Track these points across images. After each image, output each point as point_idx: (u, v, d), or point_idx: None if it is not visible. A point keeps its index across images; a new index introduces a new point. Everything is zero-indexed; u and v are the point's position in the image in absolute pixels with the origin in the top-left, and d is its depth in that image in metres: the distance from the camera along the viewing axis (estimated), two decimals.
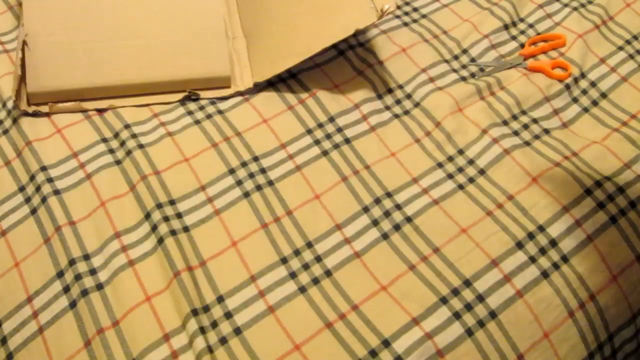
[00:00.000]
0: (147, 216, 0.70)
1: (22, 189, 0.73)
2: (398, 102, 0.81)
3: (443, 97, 0.80)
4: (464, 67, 0.85)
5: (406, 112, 0.80)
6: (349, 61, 0.85)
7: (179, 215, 0.70)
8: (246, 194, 0.72)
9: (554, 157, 0.74)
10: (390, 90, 0.82)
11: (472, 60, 0.86)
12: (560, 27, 0.89)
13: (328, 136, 0.77)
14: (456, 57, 0.86)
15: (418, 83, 0.82)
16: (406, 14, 0.91)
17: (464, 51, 0.87)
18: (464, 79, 0.83)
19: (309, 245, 0.68)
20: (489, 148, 0.75)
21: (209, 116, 0.79)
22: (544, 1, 0.93)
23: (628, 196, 0.71)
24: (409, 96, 0.81)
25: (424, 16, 0.91)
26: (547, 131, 0.77)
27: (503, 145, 0.75)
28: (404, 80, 0.83)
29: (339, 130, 0.77)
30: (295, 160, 0.75)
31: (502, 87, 0.82)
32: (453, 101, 0.80)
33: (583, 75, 0.83)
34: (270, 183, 0.73)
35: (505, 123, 0.78)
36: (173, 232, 0.68)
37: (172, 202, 0.71)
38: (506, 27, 0.89)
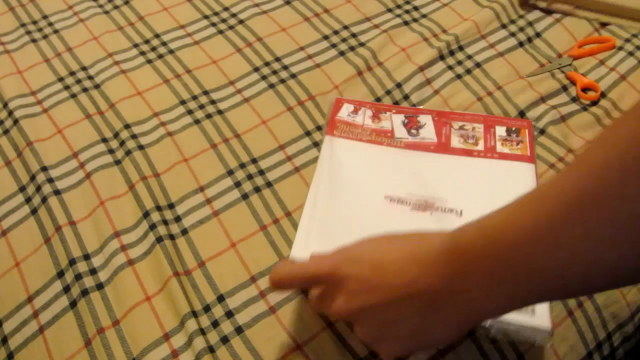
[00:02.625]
0: (146, 215, 0.70)
1: (22, 189, 0.73)
2: (396, 104, 0.81)
3: (439, 101, 0.81)
4: (459, 62, 0.85)
5: None
6: (349, 62, 0.85)
7: (177, 217, 0.70)
8: (244, 196, 0.72)
9: (549, 159, 0.74)
10: (388, 92, 0.82)
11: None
12: (560, 25, 0.89)
13: None
14: (452, 53, 0.86)
15: (416, 85, 0.82)
16: (407, 12, 0.92)
17: (460, 48, 0.87)
18: (459, 76, 0.84)
19: None
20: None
21: (208, 116, 0.79)
22: None
23: None
24: (406, 97, 0.81)
25: (424, 16, 0.91)
26: (542, 131, 0.77)
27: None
28: (402, 78, 0.83)
29: None
30: (294, 162, 0.75)
31: (499, 87, 0.82)
32: (449, 108, 0.80)
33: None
34: (269, 185, 0.73)
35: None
36: (171, 235, 0.68)
37: (170, 203, 0.71)
38: (504, 26, 0.90)
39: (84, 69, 0.85)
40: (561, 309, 0.65)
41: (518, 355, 0.62)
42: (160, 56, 0.86)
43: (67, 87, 0.83)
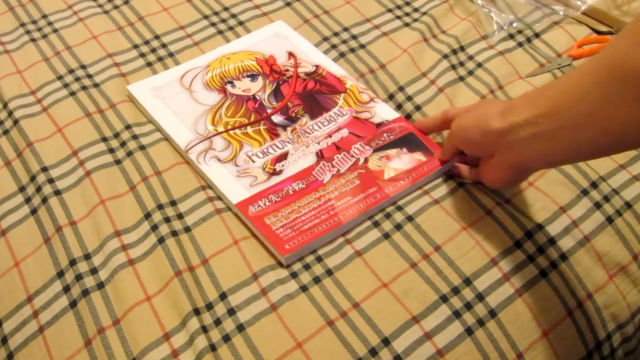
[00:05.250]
0: (147, 216, 0.70)
1: (22, 189, 0.73)
2: (399, 106, 0.81)
3: (444, 101, 0.81)
4: (461, 63, 0.86)
5: (407, 117, 0.80)
6: (350, 64, 0.85)
7: (179, 215, 0.70)
8: None
9: None
10: (391, 97, 0.82)
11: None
12: (559, 28, 0.90)
13: None
14: (454, 52, 0.86)
15: (420, 88, 0.82)
16: (407, 14, 0.92)
17: (462, 48, 0.87)
18: (462, 78, 0.84)
19: None
20: None
21: None
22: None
23: (623, 197, 0.72)
24: (409, 98, 0.81)
25: (424, 13, 0.91)
26: None
27: None
28: (404, 81, 0.83)
29: None
30: None
31: (501, 87, 0.82)
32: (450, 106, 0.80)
33: None
34: None
35: None
36: (174, 231, 0.68)
37: (172, 200, 0.71)
38: (502, 27, 0.90)
39: (83, 67, 0.85)
40: (561, 309, 0.65)
41: (517, 355, 0.62)
42: (160, 59, 0.86)
43: (66, 85, 0.83)
